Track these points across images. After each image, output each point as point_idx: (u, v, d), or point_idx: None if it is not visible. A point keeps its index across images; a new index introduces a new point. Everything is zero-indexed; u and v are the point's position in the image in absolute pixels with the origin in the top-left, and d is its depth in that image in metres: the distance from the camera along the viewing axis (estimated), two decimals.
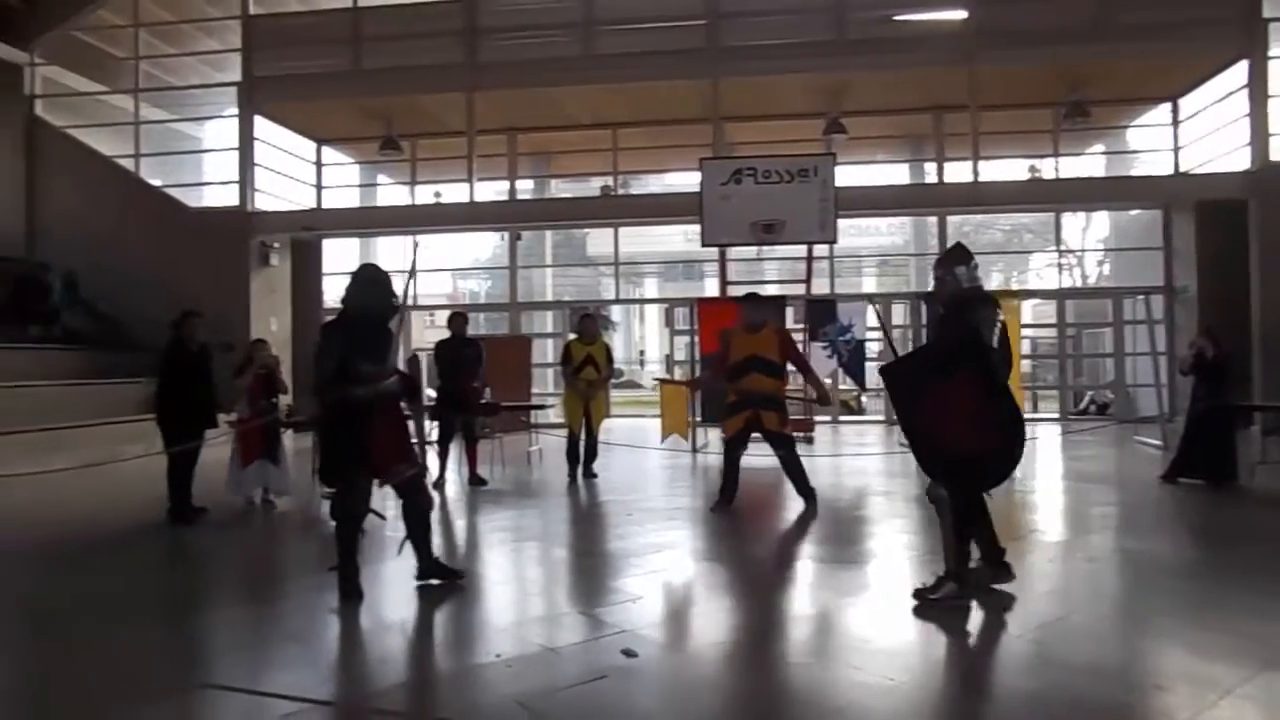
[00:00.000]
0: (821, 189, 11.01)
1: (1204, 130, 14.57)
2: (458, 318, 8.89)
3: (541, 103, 14.83)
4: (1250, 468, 8.21)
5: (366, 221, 16.40)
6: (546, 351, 17.29)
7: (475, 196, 14.64)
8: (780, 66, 13.48)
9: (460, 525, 7.14)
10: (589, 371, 8.97)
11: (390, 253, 19.35)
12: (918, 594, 4.33)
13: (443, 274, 23.83)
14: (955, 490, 4.34)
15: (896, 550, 5.85)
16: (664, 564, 5.30)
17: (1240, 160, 13.05)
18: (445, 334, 8.90)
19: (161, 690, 3.46)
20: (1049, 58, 13.26)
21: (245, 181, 14.46)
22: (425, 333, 20.36)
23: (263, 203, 14.87)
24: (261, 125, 14.87)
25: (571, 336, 9.77)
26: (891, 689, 3.32)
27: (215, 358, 7.24)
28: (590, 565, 5.41)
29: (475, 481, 8.54)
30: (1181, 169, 14.74)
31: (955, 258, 4.65)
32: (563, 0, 14.36)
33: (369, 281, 4.68)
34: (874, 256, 25.09)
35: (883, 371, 4.82)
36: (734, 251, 13.71)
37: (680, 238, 14.92)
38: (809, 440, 11.43)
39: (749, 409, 6.86)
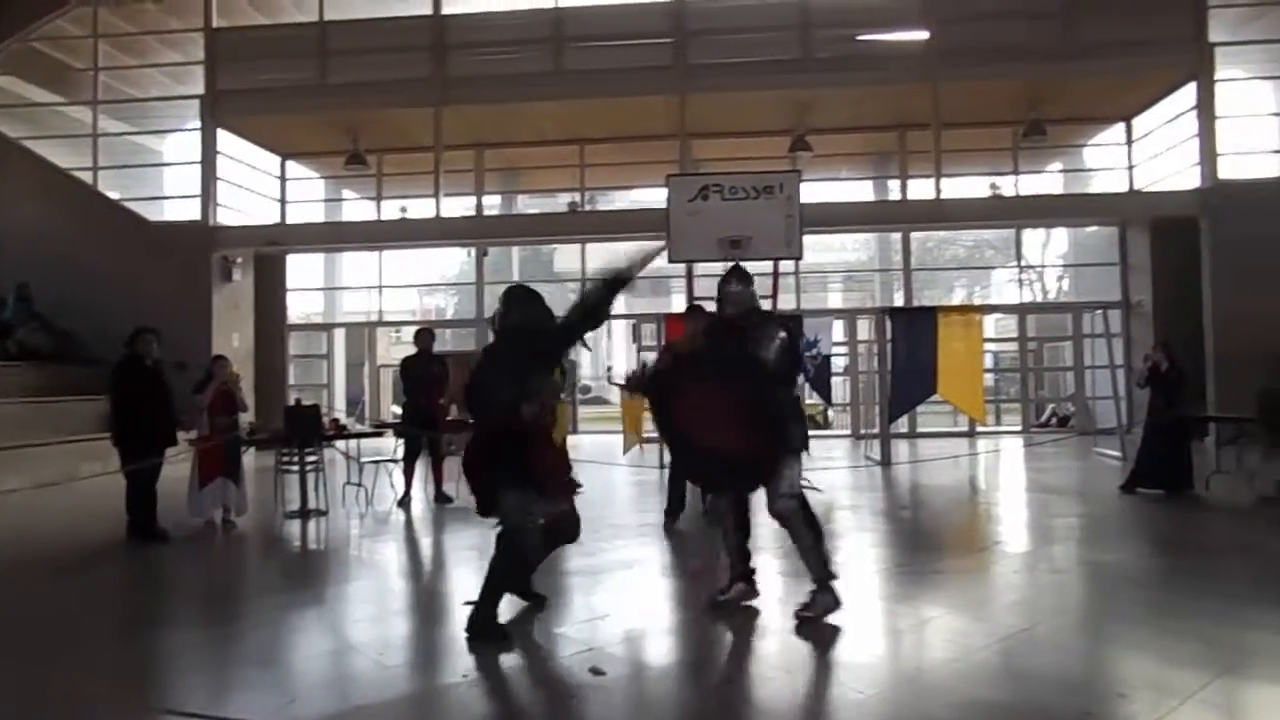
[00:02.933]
0: (787, 205, 11.07)
1: (1157, 149, 14.95)
2: (424, 334, 8.83)
3: (510, 118, 14.84)
4: (1206, 478, 8.39)
5: (332, 237, 16.25)
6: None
7: (442, 212, 14.56)
8: (747, 84, 13.63)
9: (426, 543, 7.07)
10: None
11: (355, 268, 19.24)
12: (802, 611, 4.35)
13: (409, 290, 23.69)
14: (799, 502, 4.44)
15: (863, 564, 5.88)
16: (632, 580, 5.28)
17: (1191, 179, 13.40)
18: (411, 350, 8.82)
19: (117, 713, 3.37)
20: (1008, 77, 13.55)
21: (207, 195, 14.25)
22: (391, 349, 20.21)
23: (225, 217, 14.66)
24: (224, 139, 14.68)
25: None
26: (860, 702, 3.33)
27: (172, 375, 7.10)
28: (558, 583, 5.36)
29: (441, 499, 8.45)
30: (1136, 187, 15.09)
31: (739, 278, 4.82)
32: (532, 16, 14.44)
33: (527, 300, 4.49)
34: (839, 272, 25.36)
35: (646, 386, 4.89)
36: (701, 267, 13.72)
37: None
38: None
39: None
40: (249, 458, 8.46)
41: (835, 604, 4.33)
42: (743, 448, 4.30)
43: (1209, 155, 13.01)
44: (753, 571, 4.71)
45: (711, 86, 13.64)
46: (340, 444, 8.94)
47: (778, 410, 4.44)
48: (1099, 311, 13.22)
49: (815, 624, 4.24)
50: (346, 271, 19.45)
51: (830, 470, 10.80)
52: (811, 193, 13.17)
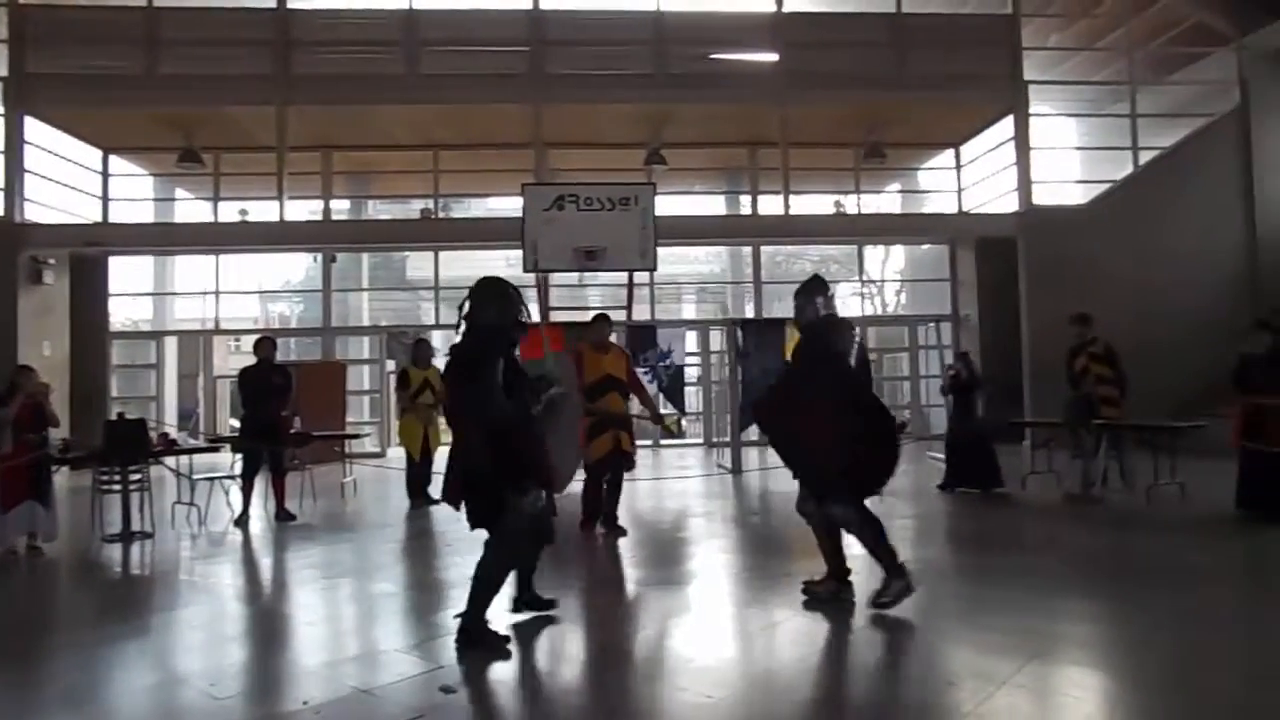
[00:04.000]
0: (642, 217, 11.27)
1: (981, 174, 16.20)
2: (265, 342, 8.36)
3: (360, 120, 14.34)
4: (1023, 478, 9.12)
5: (161, 239, 15.15)
6: (363, 378, 16.58)
7: (286, 215, 13.87)
8: (602, 96, 13.77)
9: (266, 563, 6.67)
10: (426, 396, 8.99)
11: (190, 273, 18.02)
12: (874, 603, 4.47)
13: (250, 296, 22.39)
14: (850, 503, 4.53)
15: (717, 570, 6.01)
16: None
17: (1011, 203, 14.57)
18: (251, 360, 8.33)
19: None
20: (850, 102, 14.33)
21: (12, 189, 12.99)
22: (230, 359, 19.02)
23: (35, 214, 13.40)
24: (34, 128, 13.43)
25: (390, 365, 9.52)
26: (711, 705, 3.39)
27: None
28: (408, 600, 5.19)
29: (283, 517, 8.01)
30: (964, 209, 16.28)
31: (814, 288, 4.79)
32: (384, 16, 14.02)
33: (502, 296, 4.21)
34: (692, 284, 25.97)
35: (753, 406, 4.96)
36: (556, 277, 13.75)
37: (502, 262, 14.74)
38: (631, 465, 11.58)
39: (612, 430, 6.84)
40: (60, 477, 7.72)
41: (907, 590, 4.46)
42: (861, 457, 4.42)
43: (1024, 182, 14.20)
44: (848, 572, 4.73)
45: (568, 97, 13.69)
46: (170, 460, 8.32)
47: (874, 413, 4.54)
48: (932, 324, 14.18)
49: (887, 609, 4.42)
50: (180, 276, 18.18)
51: (683, 479, 11.01)
52: (665, 205, 13.45)
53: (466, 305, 4.23)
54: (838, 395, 4.50)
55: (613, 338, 7.48)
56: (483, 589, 4.11)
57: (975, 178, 16.42)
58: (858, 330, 4.82)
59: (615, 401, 6.86)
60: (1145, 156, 14.55)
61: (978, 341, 14.84)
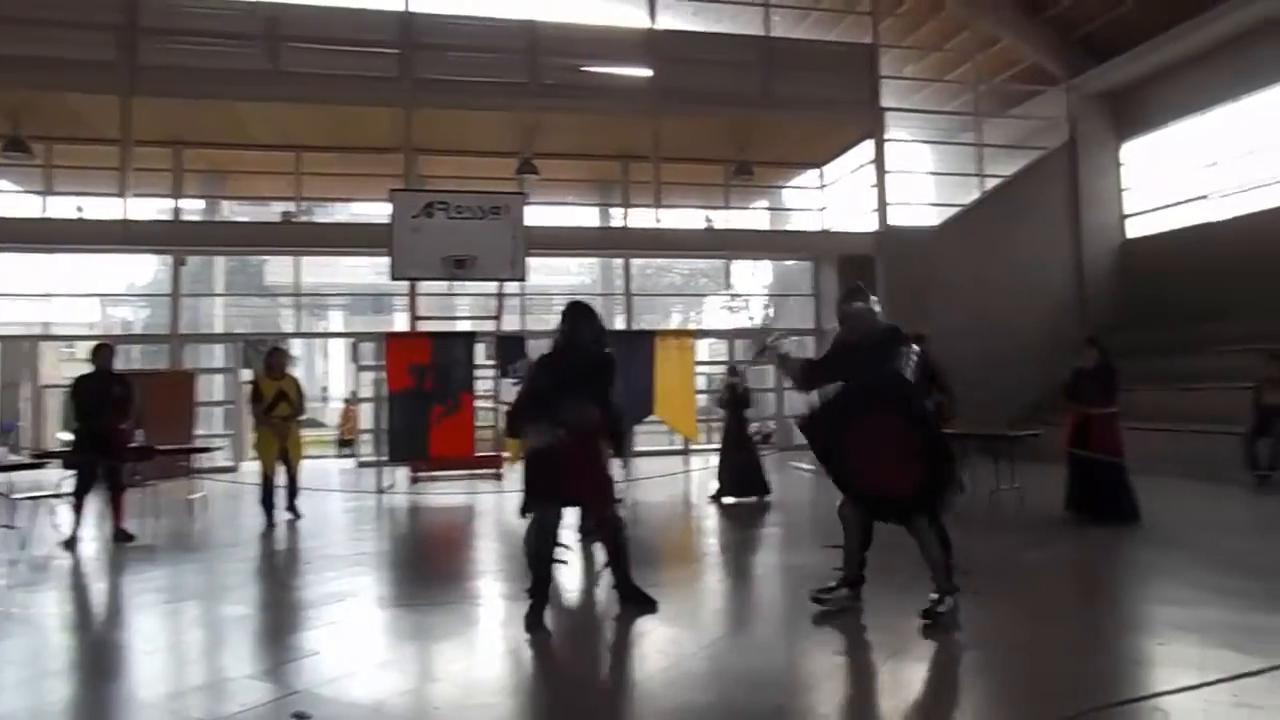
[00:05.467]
0: (512, 227, 11.16)
1: (843, 194, 16.97)
2: (102, 349, 7.76)
3: (215, 116, 13.56)
4: None
5: None
6: (214, 388, 15.66)
7: (130, 214, 12.92)
8: (474, 103, 13.56)
9: (100, 588, 6.16)
10: (283, 408, 8.63)
11: (15, 272, 16.53)
12: (926, 614, 4.41)
13: (87, 300, 20.75)
14: (930, 518, 4.52)
15: (581, 581, 5.99)
16: (344, 614, 4.95)
17: (870, 223, 15.31)
18: (87, 368, 7.71)
19: None
20: (721, 119, 14.70)
21: None
22: (62, 366, 17.54)
23: None
24: None
25: (245, 375, 9.04)
26: (575, 718, 3.36)
27: None
28: (260, 622, 4.91)
29: (120, 537, 7.42)
30: (826, 227, 16.98)
31: (859, 294, 4.71)
32: (244, 8, 13.31)
33: (584, 316, 4.77)
34: (564, 295, 25.90)
35: (803, 428, 4.83)
36: (424, 286, 13.41)
37: (368, 269, 14.30)
38: (498, 476, 11.43)
39: None
40: None
41: (955, 608, 4.41)
42: (905, 484, 4.37)
43: (881, 204, 14.95)
44: (862, 581, 4.68)
45: (439, 102, 13.41)
46: None
47: (930, 437, 4.45)
48: (796, 338, 14.68)
49: (939, 628, 4.33)
50: (2, 275, 16.64)
51: None
52: (537, 216, 13.37)
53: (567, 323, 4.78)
54: (899, 412, 4.45)
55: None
56: (618, 562, 4.78)
57: (838, 197, 17.17)
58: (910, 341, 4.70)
59: None
60: (990, 184, 15.61)
61: None
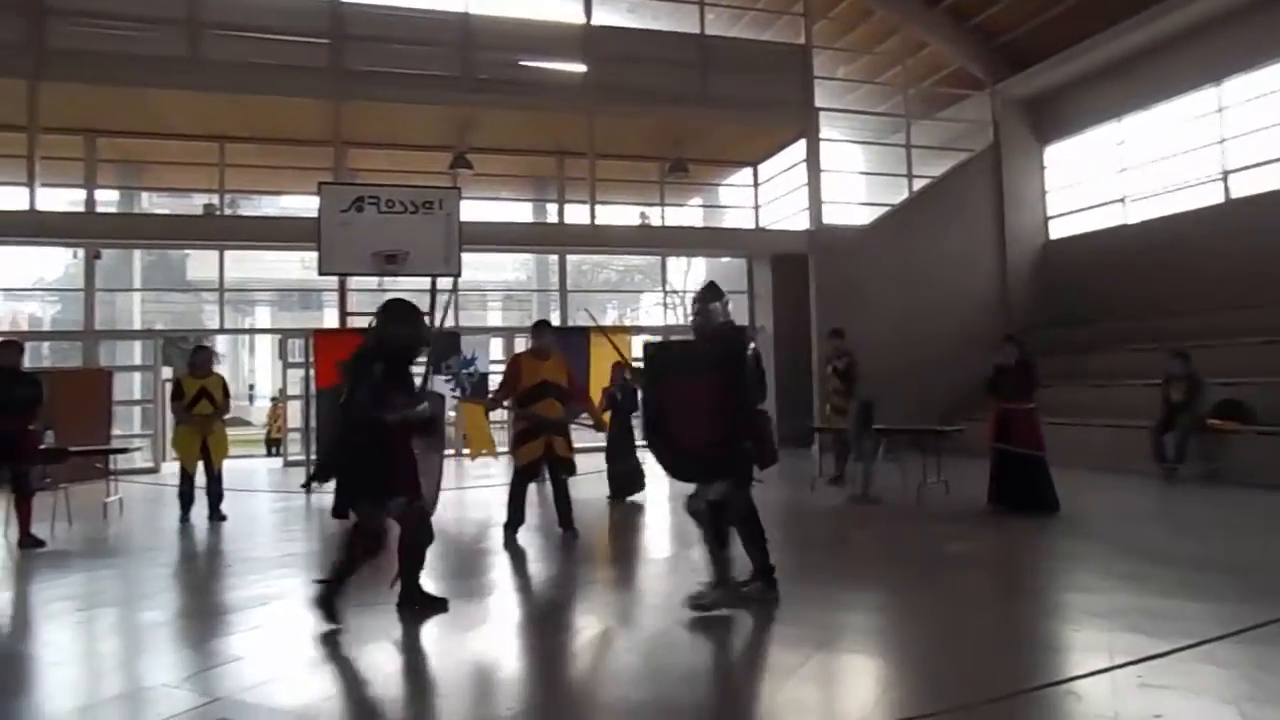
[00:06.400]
0: (446, 222, 11.00)
1: (777, 193, 17.17)
2: (9, 347, 7.40)
3: (132, 104, 13.01)
4: (811, 481, 9.75)
5: None
6: (133, 387, 15.08)
7: (39, 205, 12.32)
8: (406, 96, 13.30)
9: (3, 598, 5.86)
10: (203, 406, 8.48)
11: None
12: (691, 603, 4.55)
13: None
14: (738, 498, 4.68)
15: (520, 579, 5.95)
16: (268, 618, 4.83)
17: (803, 221, 15.54)
18: None
19: None
20: (656, 117, 14.73)
21: None
22: None
23: None
24: None
25: (167, 372, 8.78)
26: (509, 718, 3.33)
27: None
28: (180, 628, 4.75)
29: (28, 543, 7.09)
30: (761, 225, 17.17)
31: (711, 295, 4.99)
32: None
33: (402, 315, 4.71)
34: (499, 291, 25.69)
35: (645, 359, 5.20)
36: (355, 281, 13.14)
37: (296, 264, 13.93)
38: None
39: (543, 435, 6.82)
40: None
41: (724, 601, 4.58)
42: (715, 441, 4.59)
43: (815, 203, 15.18)
44: (734, 580, 4.71)
45: (369, 95, 13.11)
46: None
47: (748, 413, 4.66)
48: None
49: (704, 614, 4.50)
50: None
51: (489, 488, 10.82)
52: (471, 211, 13.20)
53: (376, 320, 4.71)
54: (721, 386, 4.67)
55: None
56: (337, 568, 4.63)
57: (771, 196, 17.37)
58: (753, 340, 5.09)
59: (550, 407, 6.87)
60: (919, 184, 15.99)
61: (772, 352, 15.66)
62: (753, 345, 4.94)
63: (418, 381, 4.91)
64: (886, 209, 15.80)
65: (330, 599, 4.52)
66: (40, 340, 17.69)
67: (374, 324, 4.74)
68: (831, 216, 15.44)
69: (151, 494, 10.45)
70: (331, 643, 4.36)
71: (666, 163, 16.09)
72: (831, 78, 16.38)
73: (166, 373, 14.37)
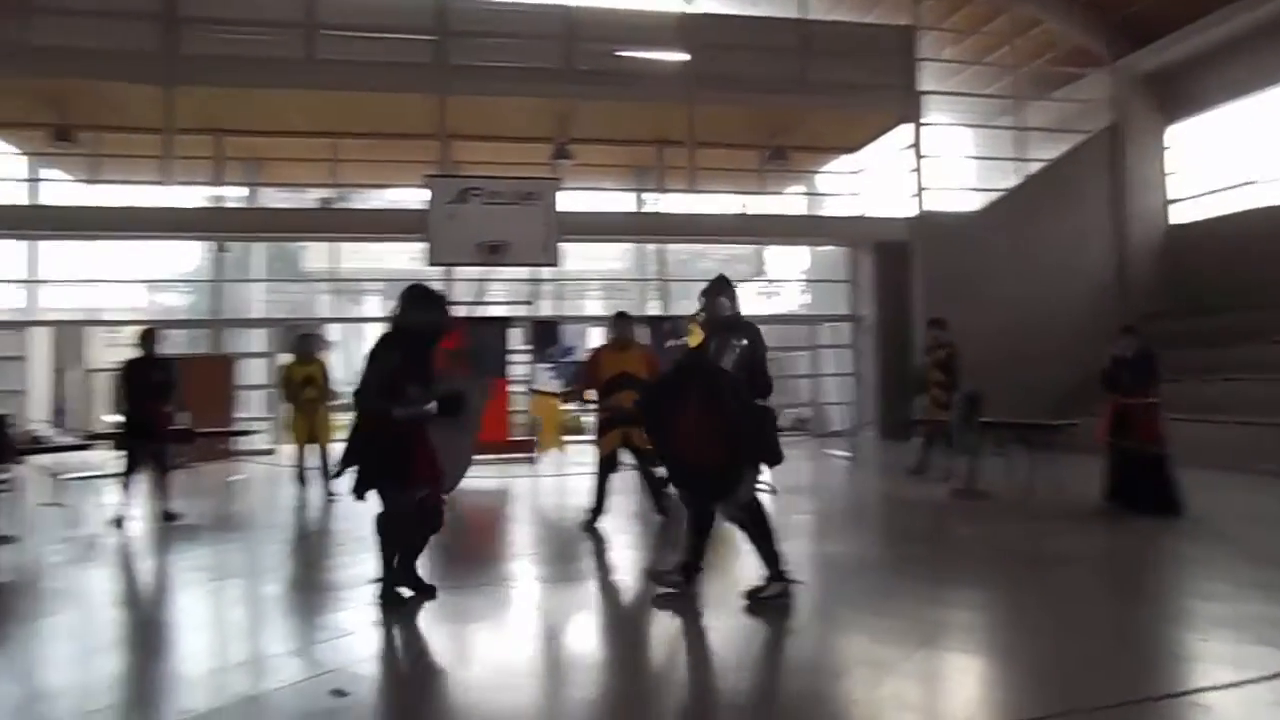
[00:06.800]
0: (546, 213, 11.20)
1: (879, 180, 16.75)
2: (148, 335, 7.93)
3: (254, 105, 13.73)
4: (908, 471, 9.51)
5: (30, 221, 14.09)
6: (254, 372, 15.93)
7: (173, 202, 13.16)
8: (508, 89, 13.58)
9: (147, 567, 6.33)
10: (309, 391, 8.94)
11: (65, 259, 16.92)
12: (750, 595, 4.59)
13: (133, 285, 21.18)
14: (693, 501, 4.72)
15: (616, 566, 6.03)
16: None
17: (906, 208, 15.12)
18: (133, 352, 7.89)
19: None
20: (755, 105, 14.58)
21: None
22: (109, 351, 17.95)
23: None
24: None
25: (287, 358, 9.29)
26: (591, 702, 3.40)
27: None
28: (299, 601, 5.02)
29: (166, 517, 7.62)
30: (862, 213, 16.79)
31: (718, 288, 4.94)
32: None
33: (422, 301, 4.70)
34: (598, 280, 25.92)
35: (637, 404, 5.22)
36: (459, 271, 13.51)
37: (403, 255, 14.43)
38: (531, 461, 11.49)
39: (621, 426, 6.90)
40: None
41: (783, 594, 4.58)
42: (716, 463, 4.53)
43: (919, 189, 14.75)
44: (698, 571, 4.79)
45: (472, 89, 13.44)
46: (39, 460, 7.80)
47: (736, 425, 4.55)
48: (831, 324, 14.59)
49: (765, 606, 4.51)
50: (52, 262, 17.03)
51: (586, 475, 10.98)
52: (571, 201, 13.37)
53: (397, 307, 4.68)
54: (703, 396, 4.61)
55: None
56: (379, 558, 4.64)
57: (873, 183, 16.97)
58: (759, 333, 4.93)
59: (629, 399, 6.84)
60: (1031, 168, 15.32)
61: (873, 342, 15.33)
62: (743, 343, 4.76)
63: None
64: (996, 194, 15.21)
65: (390, 590, 4.64)
66: (174, 328, 18.83)
67: (395, 310, 4.74)
68: (936, 203, 14.98)
69: (270, 474, 11.04)
70: (432, 620, 4.53)
71: (766, 151, 15.91)
72: (937, 59, 15.84)
73: (284, 359, 15.11)
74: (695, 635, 4.29)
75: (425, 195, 11.82)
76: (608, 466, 7.14)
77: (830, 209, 18.51)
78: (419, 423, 4.62)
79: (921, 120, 14.79)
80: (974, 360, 9.78)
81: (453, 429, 4.83)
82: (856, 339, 16.18)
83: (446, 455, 4.81)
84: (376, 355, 4.57)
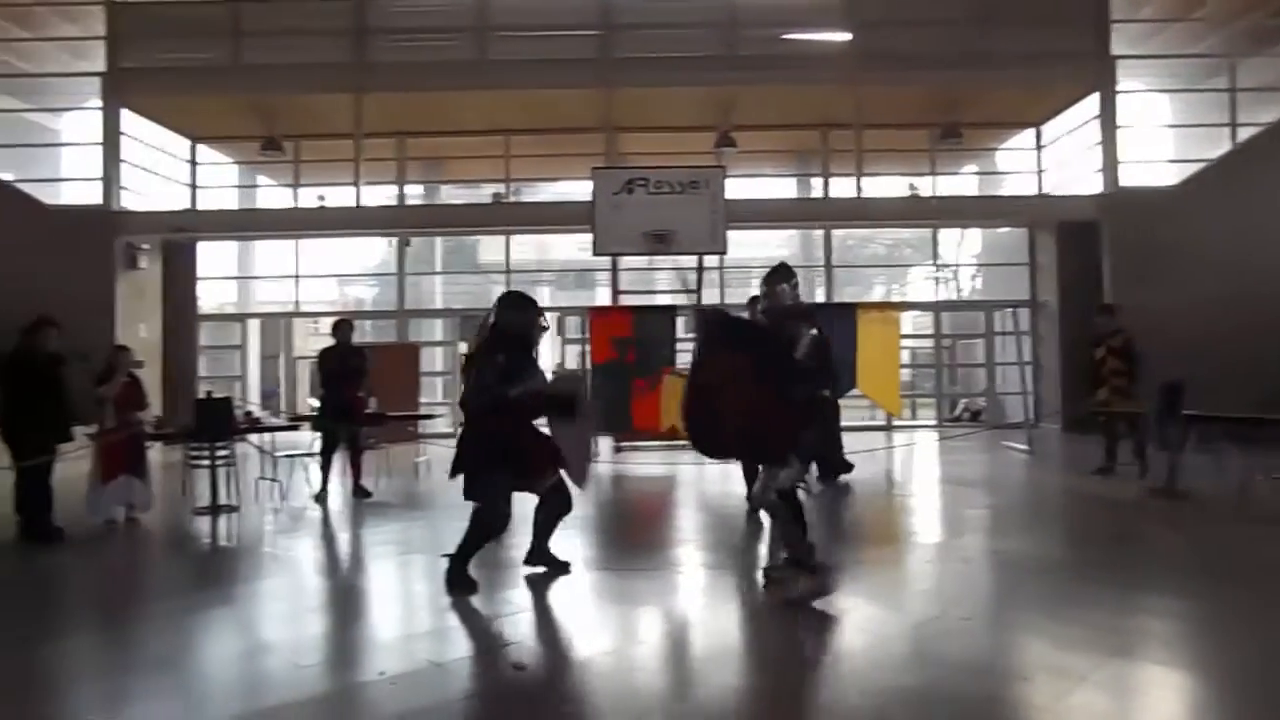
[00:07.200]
0: (712, 201, 11.22)
1: (1063, 155, 15.61)
2: (343, 325, 8.61)
3: (432, 107, 14.56)
4: (1099, 469, 8.84)
5: (245, 224, 15.68)
6: (435, 360, 16.92)
7: (362, 201, 14.22)
8: (672, 79, 13.68)
9: (344, 538, 6.91)
10: None
11: (271, 257, 18.61)
12: (767, 571, 4.74)
13: (328, 280, 23.00)
14: (782, 493, 4.68)
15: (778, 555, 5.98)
16: (553, 574, 5.25)
17: (1094, 185, 14.02)
18: (330, 341, 8.59)
19: None
20: (926, 82, 13.94)
21: (110, 178, 13.59)
22: (309, 340, 19.62)
23: (130, 201, 14.01)
24: (128, 119, 14.01)
25: (463, 347, 9.74)
26: (771, 692, 3.39)
27: (72, 366, 6.73)
28: (480, 577, 5.30)
29: (359, 494, 8.27)
30: (1044, 191, 15.72)
31: (779, 276, 5.01)
32: (455, 3, 14.19)
33: (517, 303, 5.04)
34: (762, 268, 25.59)
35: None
36: (625, 261, 13.79)
37: (572, 246, 14.91)
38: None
39: None
40: (154, 453, 8.11)
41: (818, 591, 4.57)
42: (758, 434, 4.59)
43: (1110, 163, 13.64)
44: (818, 564, 4.80)
45: (636, 81, 13.65)
46: (254, 438, 8.66)
47: (792, 405, 4.61)
48: (1009, 310, 13.77)
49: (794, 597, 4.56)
50: (261, 260, 18.79)
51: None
52: (735, 189, 13.31)
53: (494, 310, 4.95)
54: (762, 377, 4.61)
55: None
56: (463, 546, 4.85)
57: (1057, 159, 15.83)
58: (816, 325, 4.91)
59: None
60: (1245, 134, 13.80)
61: (1056, 329, 14.36)
62: (813, 332, 4.74)
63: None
64: (1201, 164, 13.81)
65: (459, 573, 4.82)
66: (363, 319, 20.29)
67: (491, 315, 4.96)
68: (1129, 178, 13.79)
69: (452, 456, 11.69)
70: (602, 602, 4.67)
71: (938, 129, 15.19)
72: (1133, 20, 14.52)
73: (463, 347, 15.97)
74: (859, 628, 4.19)
75: (591, 187, 12.13)
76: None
77: (1009, 188, 17.45)
78: (527, 419, 4.89)
79: (1114, 88, 13.64)
80: (1173, 348, 8.97)
81: (568, 424, 5.02)
82: (1036, 325, 15.21)
83: (568, 450, 5.00)
84: (478, 359, 4.84)
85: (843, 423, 9.46)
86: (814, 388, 4.79)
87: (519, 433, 4.87)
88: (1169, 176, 14.30)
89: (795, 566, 4.71)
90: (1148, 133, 15.42)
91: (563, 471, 5.04)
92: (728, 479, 9.47)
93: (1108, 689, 3.36)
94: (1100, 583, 4.84)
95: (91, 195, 13.81)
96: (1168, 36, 15.04)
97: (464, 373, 4.86)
